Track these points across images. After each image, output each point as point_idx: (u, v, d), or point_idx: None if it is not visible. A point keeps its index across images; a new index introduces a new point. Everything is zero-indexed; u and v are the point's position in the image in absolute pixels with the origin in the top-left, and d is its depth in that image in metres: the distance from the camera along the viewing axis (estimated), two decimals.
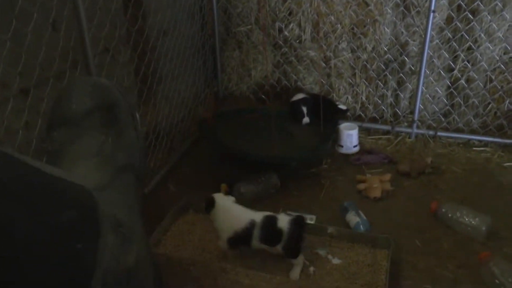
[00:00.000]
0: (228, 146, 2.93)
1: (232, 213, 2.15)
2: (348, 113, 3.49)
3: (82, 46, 2.06)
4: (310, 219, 2.49)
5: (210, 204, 2.17)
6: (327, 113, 3.12)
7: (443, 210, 2.48)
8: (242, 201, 2.57)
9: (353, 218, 2.45)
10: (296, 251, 2.10)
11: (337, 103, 3.43)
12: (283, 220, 2.09)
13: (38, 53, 1.92)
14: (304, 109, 3.20)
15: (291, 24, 3.48)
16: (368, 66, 3.42)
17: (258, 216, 2.12)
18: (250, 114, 3.35)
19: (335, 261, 2.19)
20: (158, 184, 2.80)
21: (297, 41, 3.52)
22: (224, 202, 2.18)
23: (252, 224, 2.09)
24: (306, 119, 3.20)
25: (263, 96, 3.70)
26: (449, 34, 3.22)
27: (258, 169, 2.79)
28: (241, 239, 2.12)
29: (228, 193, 2.66)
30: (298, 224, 2.09)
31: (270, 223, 2.09)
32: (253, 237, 2.09)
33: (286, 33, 3.51)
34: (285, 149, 2.91)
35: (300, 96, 3.30)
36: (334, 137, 3.17)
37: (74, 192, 1.11)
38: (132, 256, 1.21)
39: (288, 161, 2.86)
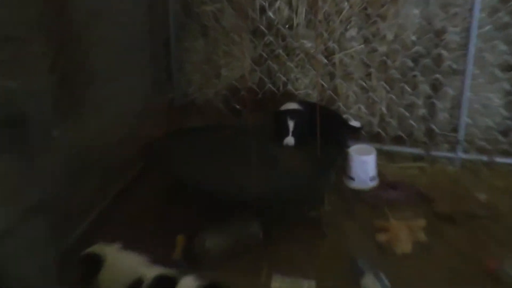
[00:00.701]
0: (186, 178, 2.88)
1: (119, 265, 2.16)
2: (362, 132, 3.47)
3: None
4: None
5: (97, 264, 2.15)
6: (332, 132, 3.09)
7: (507, 270, 2.47)
8: (207, 259, 2.58)
9: (370, 283, 2.43)
10: None
11: (344, 116, 3.43)
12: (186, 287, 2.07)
13: None
14: (291, 124, 3.18)
15: (278, 2, 3.46)
16: (388, 62, 3.41)
17: (150, 273, 2.13)
18: (218, 131, 3.31)
19: None
20: (85, 234, 2.73)
21: (287, 26, 3.50)
22: (111, 253, 2.20)
23: (138, 283, 2.10)
24: (289, 140, 3.18)
25: (237, 106, 3.68)
26: (506, 17, 3.22)
27: (230, 212, 2.75)
28: None
29: (186, 248, 2.63)
30: None
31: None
32: None
33: (270, 14, 3.48)
34: (267, 182, 2.87)
35: (290, 106, 3.29)
36: (339, 163, 3.15)
37: None
38: None
39: (271, 200, 2.80)
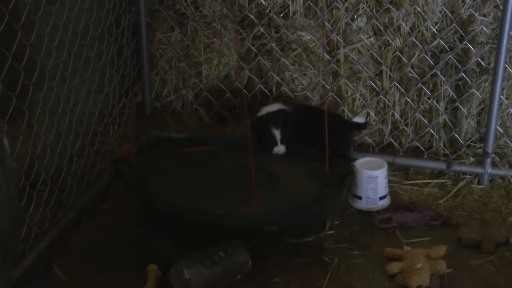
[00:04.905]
0: (160, 199, 2.90)
1: None
2: (365, 130, 3.51)
3: None
4: None
5: None
6: (331, 135, 3.07)
7: None
8: None
9: None
10: None
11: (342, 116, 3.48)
12: None
13: None
14: (276, 132, 3.23)
15: None
16: (404, 59, 3.44)
17: None
18: (199, 145, 3.34)
19: None
20: (36, 265, 2.75)
21: (281, 14, 3.53)
22: None
23: None
24: (279, 148, 3.24)
25: (222, 112, 3.70)
26: None
27: (212, 238, 2.77)
28: None
29: (161, 280, 2.64)
30: None
31: None
32: None
33: (261, 0, 3.52)
34: (267, 206, 2.92)
35: (271, 108, 3.32)
36: (350, 181, 3.17)
37: None
38: None
39: (264, 224, 2.85)
